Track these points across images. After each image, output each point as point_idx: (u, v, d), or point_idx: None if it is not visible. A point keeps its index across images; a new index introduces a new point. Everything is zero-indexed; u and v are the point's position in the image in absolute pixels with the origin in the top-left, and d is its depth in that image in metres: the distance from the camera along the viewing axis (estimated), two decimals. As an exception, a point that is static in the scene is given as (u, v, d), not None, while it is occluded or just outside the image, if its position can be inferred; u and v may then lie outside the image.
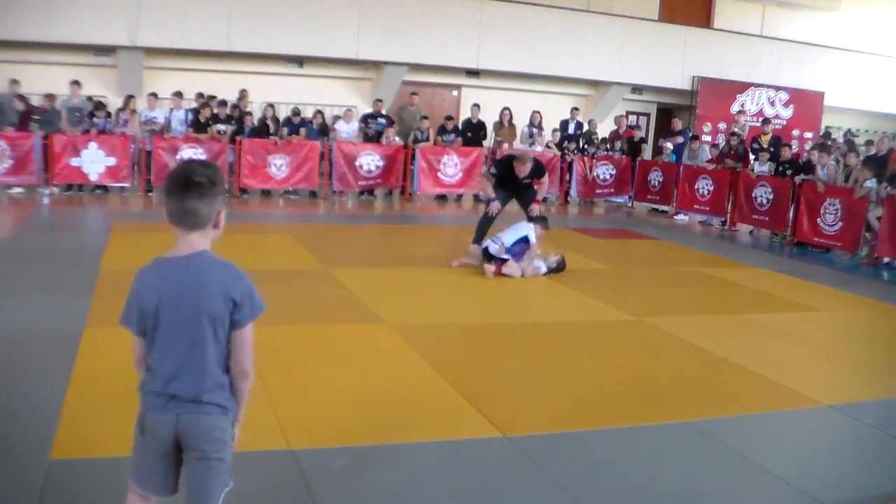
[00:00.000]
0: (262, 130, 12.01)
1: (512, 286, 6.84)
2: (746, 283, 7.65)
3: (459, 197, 13.37)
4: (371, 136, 12.81)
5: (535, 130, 13.52)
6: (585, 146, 13.93)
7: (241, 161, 11.63)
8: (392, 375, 4.33)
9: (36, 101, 11.53)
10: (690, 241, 10.63)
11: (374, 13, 14.54)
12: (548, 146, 13.46)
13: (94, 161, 11.16)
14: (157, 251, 2.08)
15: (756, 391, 4.45)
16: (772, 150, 11.78)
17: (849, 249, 9.84)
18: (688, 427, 3.81)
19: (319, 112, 12.92)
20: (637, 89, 17.41)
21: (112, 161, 11.28)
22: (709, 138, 16.66)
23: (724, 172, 12.04)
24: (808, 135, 18.03)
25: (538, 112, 13.73)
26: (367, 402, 3.90)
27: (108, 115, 11.76)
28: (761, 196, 11.17)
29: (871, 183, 9.68)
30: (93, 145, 11.15)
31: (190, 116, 11.97)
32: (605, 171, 13.66)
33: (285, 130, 12.16)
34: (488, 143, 13.61)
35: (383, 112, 13.34)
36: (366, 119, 13.14)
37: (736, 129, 13.50)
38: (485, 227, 7.76)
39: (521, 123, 13.72)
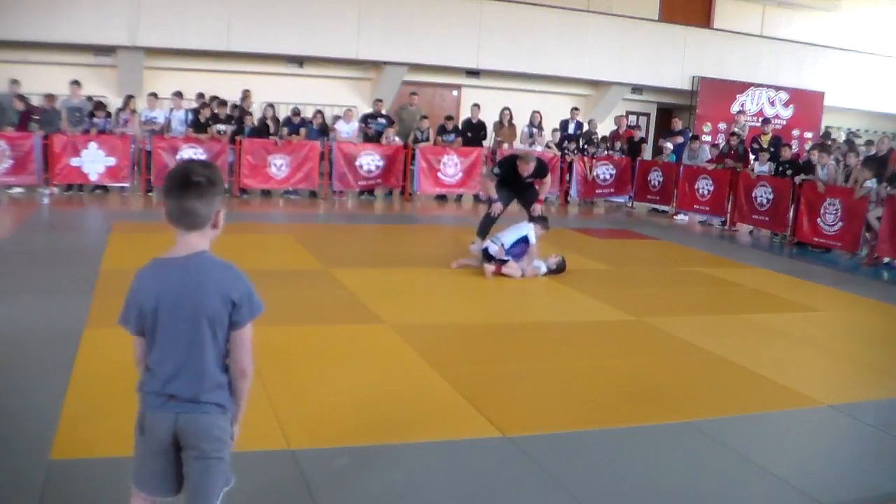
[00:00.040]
0: (262, 130, 12.01)
1: (512, 286, 6.84)
2: (746, 283, 7.65)
3: (459, 197, 13.37)
4: (371, 136, 12.81)
5: (535, 130, 13.52)
6: (585, 146, 13.93)
7: (241, 161, 11.63)
8: (392, 375, 4.33)
9: (36, 101, 11.53)
10: (690, 241, 10.63)
11: (374, 13, 14.54)
12: (548, 146, 13.46)
13: (94, 161, 11.17)
14: (157, 251, 2.08)
15: (756, 391, 4.45)
16: (772, 150, 11.79)
17: (849, 249, 9.84)
18: (688, 427, 3.81)
19: (319, 112, 12.93)
20: (637, 89, 17.41)
21: (112, 161, 11.29)
22: (709, 138, 16.66)
23: (724, 172, 12.04)
24: (808, 135, 18.04)
25: (538, 112, 13.73)
26: (367, 402, 3.90)
27: (108, 115, 11.77)
28: (761, 196, 11.17)
29: (871, 183, 9.68)
30: (93, 145, 11.15)
31: (190, 116, 11.97)
32: (605, 171, 13.66)
33: (285, 130, 12.16)
34: (488, 143, 13.61)
35: (383, 112, 13.34)
36: (366, 119, 13.14)
37: (736, 129, 13.50)
38: (486, 227, 7.77)
39: (521, 123, 13.72)
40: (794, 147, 13.34)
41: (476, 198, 13.25)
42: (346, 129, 12.75)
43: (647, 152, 15.23)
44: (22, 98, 11.21)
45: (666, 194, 13.16)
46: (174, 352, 2.00)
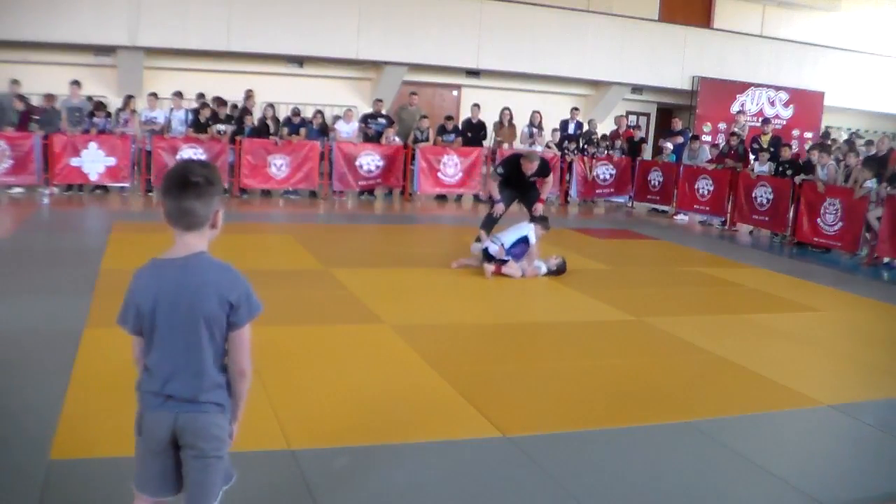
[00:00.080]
0: (262, 130, 12.01)
1: (512, 286, 6.84)
2: (746, 283, 7.65)
3: (459, 197, 13.37)
4: (371, 136, 12.81)
5: (535, 130, 13.52)
6: (585, 146, 13.93)
7: (241, 161, 11.63)
8: (392, 375, 4.33)
9: (36, 101, 11.53)
10: (690, 241, 10.64)
11: (374, 13, 14.54)
12: (548, 146, 13.45)
13: (94, 161, 11.17)
14: (157, 251, 2.08)
15: (756, 391, 4.45)
16: (772, 150, 11.79)
17: (849, 249, 9.85)
18: (688, 427, 3.81)
19: (319, 112, 12.92)
20: (637, 89, 17.42)
21: (112, 161, 11.28)
22: (709, 138, 16.67)
23: (724, 172, 12.04)
24: (808, 135, 18.04)
25: (538, 112, 13.73)
26: (367, 402, 3.90)
27: (108, 115, 11.77)
28: (761, 196, 11.17)
29: (871, 183, 9.68)
30: (93, 145, 11.15)
31: (190, 116, 11.97)
32: (605, 171, 13.66)
33: (285, 130, 12.16)
34: (488, 143, 13.61)
35: (383, 112, 13.34)
36: (366, 119, 13.14)
37: (736, 129, 13.50)
38: (488, 227, 7.76)
39: (521, 123, 13.72)
40: (794, 147, 13.33)
41: (476, 198, 13.25)
42: (346, 129, 12.75)
43: (647, 152, 15.23)
44: (22, 98, 11.21)
45: (666, 194, 13.16)
46: (172, 352, 2.00)
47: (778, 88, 18.16)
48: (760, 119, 15.73)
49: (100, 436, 3.22)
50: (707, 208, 12.28)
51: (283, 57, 14.43)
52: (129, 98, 12.11)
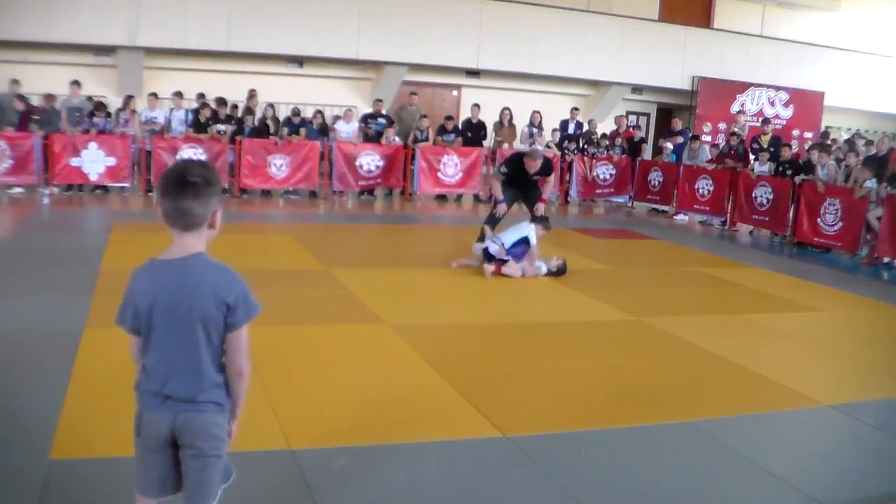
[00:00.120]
0: (262, 130, 12.01)
1: (512, 286, 6.84)
2: (746, 283, 7.65)
3: (459, 197, 13.37)
4: (371, 136, 12.81)
5: (535, 130, 13.52)
6: (585, 146, 13.93)
7: (241, 161, 11.63)
8: (392, 375, 4.33)
9: (36, 101, 11.53)
10: (690, 241, 10.64)
11: (374, 13, 14.54)
12: (548, 146, 13.45)
13: (94, 161, 11.16)
14: (157, 251, 2.08)
15: (756, 391, 4.45)
16: (772, 150, 11.78)
17: (849, 249, 9.85)
18: (688, 427, 3.81)
19: (319, 112, 12.92)
20: (637, 89, 17.42)
21: (112, 161, 11.28)
22: (709, 138, 16.67)
23: (724, 172, 12.04)
24: (808, 135, 18.04)
25: (538, 112, 13.73)
26: (367, 402, 3.90)
27: (108, 115, 11.77)
28: (761, 196, 11.17)
29: (871, 183, 9.68)
30: (93, 145, 11.15)
31: (190, 116, 11.97)
32: (605, 171, 13.66)
33: (285, 130, 12.16)
34: (488, 143, 13.61)
35: (383, 112, 13.35)
36: (366, 119, 13.14)
37: (736, 129, 13.50)
38: (491, 227, 7.77)
39: (521, 123, 13.72)
40: (794, 147, 13.34)
41: (476, 198, 13.25)
42: (346, 129, 12.75)
43: (647, 152, 15.23)
44: (22, 98, 11.20)
45: (666, 194, 13.16)
46: (170, 353, 2.00)
47: (778, 88, 18.16)
48: (760, 119, 15.73)
49: (100, 436, 3.22)
50: (707, 208, 12.28)
51: (283, 57, 14.43)
52: (129, 98, 12.11)
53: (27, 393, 3.72)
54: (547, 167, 7.79)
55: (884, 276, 8.91)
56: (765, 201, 11.11)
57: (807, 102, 18.38)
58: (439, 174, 12.73)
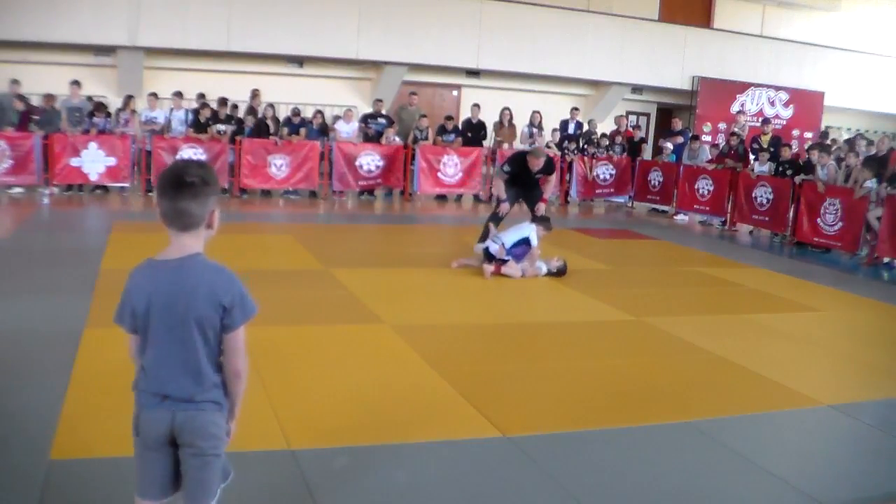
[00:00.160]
0: (262, 130, 12.01)
1: (512, 286, 6.84)
2: (746, 283, 7.65)
3: (459, 197, 13.38)
4: (371, 136, 12.82)
5: (535, 130, 13.52)
6: (585, 146, 13.93)
7: (241, 161, 11.63)
8: (392, 375, 4.33)
9: (36, 101, 11.53)
10: (690, 241, 10.64)
11: (374, 13, 14.54)
12: (548, 146, 13.44)
13: (94, 161, 11.17)
14: (157, 251, 2.08)
15: (756, 391, 4.45)
16: (772, 150, 11.79)
17: (849, 249, 9.85)
18: (688, 427, 3.81)
19: (319, 112, 12.93)
20: (637, 89, 17.42)
21: (112, 161, 11.29)
22: (709, 138, 16.67)
23: (724, 172, 12.04)
24: (808, 135, 18.04)
25: (538, 112, 13.74)
26: (367, 401, 3.90)
27: (108, 115, 11.76)
28: (761, 196, 11.17)
29: (871, 183, 9.68)
30: (93, 145, 11.15)
31: (190, 116, 11.97)
32: (605, 171, 13.66)
33: (285, 130, 12.17)
34: (488, 143, 13.61)
35: (383, 112, 13.35)
36: (366, 119, 13.14)
37: (736, 129, 13.50)
38: (494, 221, 7.80)
39: (521, 123, 13.72)
40: (794, 147, 13.34)
41: (476, 198, 13.26)
42: (346, 129, 12.75)
43: (647, 152, 15.23)
44: (22, 98, 11.21)
45: (666, 194, 13.16)
46: (167, 353, 2.00)
47: (778, 88, 18.16)
48: (760, 119, 15.72)
49: (100, 436, 3.22)
50: (707, 208, 12.28)
51: (283, 57, 14.43)
52: (129, 98, 12.12)
53: (27, 393, 3.72)
54: (549, 166, 7.82)
55: (884, 276, 8.91)
56: (765, 201, 11.11)
57: (807, 102, 18.38)
58: (439, 174, 12.73)
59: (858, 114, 19.39)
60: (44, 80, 12.07)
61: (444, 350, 4.80)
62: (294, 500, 2.87)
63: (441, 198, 13.06)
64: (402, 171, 12.60)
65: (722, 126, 17.35)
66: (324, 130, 12.84)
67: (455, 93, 16.64)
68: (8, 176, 10.75)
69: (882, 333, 6.20)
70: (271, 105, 12.56)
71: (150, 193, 11.40)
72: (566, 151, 13.58)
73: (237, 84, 13.50)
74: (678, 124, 14.71)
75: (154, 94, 12.15)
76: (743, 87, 17.81)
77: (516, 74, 15.94)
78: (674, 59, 17.06)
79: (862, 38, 19.04)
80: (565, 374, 4.54)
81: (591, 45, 16.21)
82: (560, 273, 7.23)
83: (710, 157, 12.78)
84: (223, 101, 12.18)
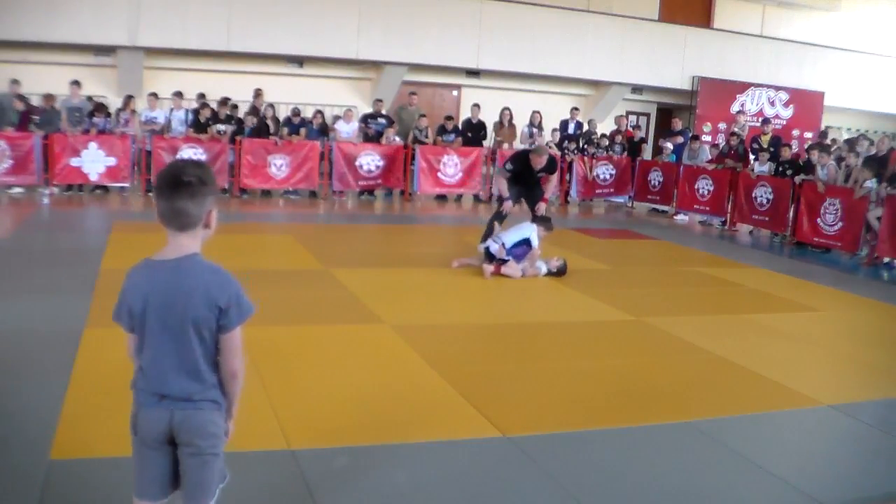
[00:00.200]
0: (262, 130, 12.01)
1: (512, 286, 6.84)
2: (746, 283, 7.65)
3: (459, 197, 13.38)
4: (371, 136, 12.82)
5: (535, 130, 13.52)
6: (585, 146, 13.93)
7: (241, 161, 11.63)
8: (392, 375, 4.33)
9: (36, 101, 11.53)
10: (690, 241, 10.64)
11: (374, 13, 14.54)
12: (548, 146, 13.44)
13: (94, 161, 11.17)
14: (157, 251, 2.08)
15: (756, 391, 4.45)
16: (772, 150, 11.79)
17: (849, 249, 9.85)
18: (688, 427, 3.81)
19: (319, 112, 12.93)
20: (637, 89, 17.41)
21: (112, 161, 11.29)
22: (709, 138, 16.66)
23: (724, 172, 12.04)
24: (808, 135, 18.03)
25: (538, 112, 13.74)
26: (367, 401, 3.90)
27: (108, 115, 11.76)
28: (761, 196, 11.17)
29: (871, 183, 9.68)
30: (93, 145, 11.15)
31: (190, 116, 11.98)
32: (605, 171, 13.66)
33: (285, 130, 12.17)
34: (488, 143, 13.61)
35: (383, 112, 13.35)
36: (366, 119, 13.14)
37: (736, 129, 13.50)
38: (498, 220, 7.80)
39: (521, 123, 13.73)
40: (794, 147, 13.34)
41: (476, 198, 13.26)
42: (346, 129, 12.75)
43: (647, 152, 15.23)
44: (22, 98, 11.21)
45: (666, 194, 13.16)
46: (164, 353, 2.00)
47: (778, 88, 18.15)
48: (760, 119, 15.72)
49: (100, 436, 3.21)
50: (707, 208, 12.28)
51: (283, 57, 14.42)
52: (129, 98, 12.11)
53: (27, 393, 3.73)
54: (552, 164, 7.84)
55: (884, 276, 8.91)
56: (765, 201, 11.11)
57: (807, 102, 18.37)
58: (439, 174, 12.73)
59: (858, 114, 19.38)
60: (44, 80, 12.07)
61: (444, 350, 4.80)
62: (294, 500, 2.87)
63: (441, 198, 13.06)
64: (402, 171, 12.60)
65: (722, 126, 17.35)
66: (324, 130, 12.84)
67: (455, 93, 16.64)
68: (8, 176, 10.75)
69: (882, 333, 6.21)
70: (271, 105, 12.57)
71: (149, 193, 11.39)
72: (566, 151, 13.58)
73: (237, 84, 13.50)
74: (678, 124, 14.71)
75: (154, 94, 12.16)
76: (743, 87, 17.81)
77: (516, 74, 15.94)
78: (674, 59, 17.06)
79: (862, 38, 19.03)
80: (565, 374, 4.54)
81: (591, 45, 16.20)
82: (560, 273, 7.23)
83: (710, 157, 12.79)
84: (223, 101, 12.19)
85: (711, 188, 12.15)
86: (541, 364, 4.72)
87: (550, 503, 3.00)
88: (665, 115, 17.69)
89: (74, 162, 11.05)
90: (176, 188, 1.96)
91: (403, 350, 4.75)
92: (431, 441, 3.47)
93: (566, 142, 13.81)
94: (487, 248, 7.13)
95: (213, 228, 2.06)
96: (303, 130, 12.29)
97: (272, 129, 12.12)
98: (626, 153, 13.83)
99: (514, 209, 7.92)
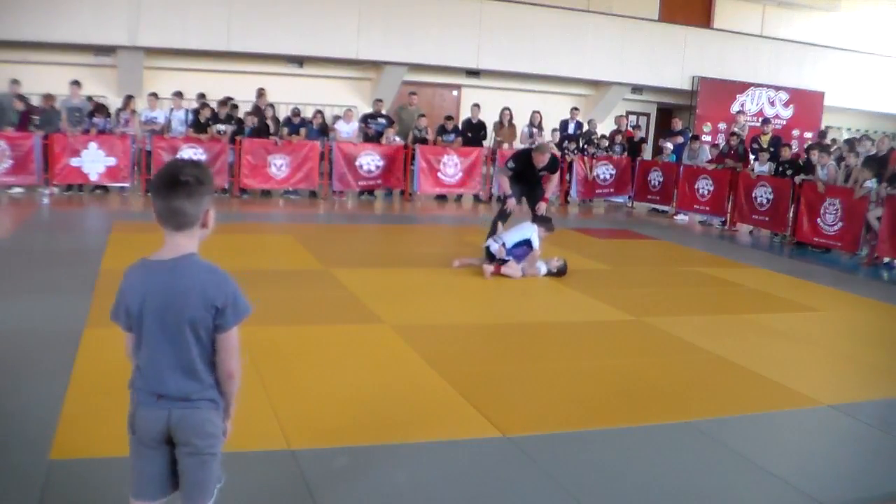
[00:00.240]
0: (261, 130, 12.01)
1: (512, 286, 6.84)
2: (746, 283, 7.65)
3: (459, 197, 13.38)
4: (371, 136, 12.82)
5: (535, 130, 13.52)
6: (585, 146, 13.93)
7: (241, 161, 11.63)
8: (392, 375, 4.33)
9: (36, 101, 11.53)
10: (690, 241, 10.64)
11: (374, 13, 14.54)
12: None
13: (94, 161, 11.17)
14: (154, 251, 2.08)
15: (756, 391, 4.45)
16: (772, 150, 11.79)
17: (849, 249, 9.85)
18: (688, 427, 3.81)
19: (319, 112, 12.93)
20: (637, 89, 17.41)
21: (112, 161, 11.29)
22: (709, 138, 16.66)
23: (724, 172, 12.04)
24: (808, 135, 18.03)
25: (538, 112, 13.74)
26: (367, 401, 3.90)
27: (108, 115, 11.76)
28: (761, 196, 11.17)
29: (871, 183, 9.68)
30: (93, 145, 11.15)
31: (190, 116, 11.98)
32: (605, 171, 13.66)
33: (285, 130, 12.17)
34: (488, 143, 13.61)
35: (383, 112, 13.35)
36: (366, 119, 13.14)
37: (736, 129, 13.50)
38: (501, 220, 7.81)
39: (521, 123, 13.72)
40: (794, 147, 13.33)
41: (476, 198, 13.26)
42: (346, 129, 12.75)
43: (647, 152, 15.23)
44: (22, 98, 11.21)
45: (666, 194, 13.16)
46: (161, 352, 2.00)
47: (778, 88, 18.15)
48: (760, 119, 15.71)
49: (100, 436, 3.21)
50: (707, 208, 12.28)
51: (283, 57, 14.42)
52: (129, 98, 12.11)
53: (27, 393, 3.72)
54: (554, 163, 7.88)
55: (884, 276, 8.91)
56: (765, 201, 11.11)
57: (807, 102, 18.37)
58: (439, 174, 12.73)
59: (858, 114, 19.38)
60: (44, 80, 12.07)
61: (444, 350, 4.80)
62: (294, 500, 2.87)
63: (441, 198, 13.06)
64: (402, 171, 12.60)
65: (722, 126, 17.35)
66: (324, 130, 12.84)
67: (455, 93, 16.64)
68: (8, 176, 10.75)
69: (882, 333, 6.21)
70: (271, 105, 12.58)
71: (150, 193, 11.36)
72: (566, 151, 13.58)
73: (237, 84, 13.50)
74: (678, 124, 14.71)
75: (154, 94, 12.16)
76: (743, 87, 17.81)
77: (516, 74, 15.94)
78: (674, 59, 17.06)
79: (862, 38, 19.03)
80: (565, 374, 4.54)
81: (591, 45, 16.20)
82: (560, 273, 7.22)
83: (710, 157, 12.79)
84: (223, 102, 12.19)
85: (711, 188, 12.15)
86: (541, 364, 4.72)
87: (550, 503, 3.00)
88: (665, 115, 17.69)
89: (74, 162, 11.05)
90: (173, 188, 1.96)
91: (403, 350, 4.75)
92: (431, 441, 3.47)
93: (566, 142, 13.81)
94: (488, 248, 7.12)
95: (210, 228, 2.06)
96: (303, 130, 12.29)
97: (272, 129, 12.12)
98: (626, 153, 13.84)
99: (516, 207, 7.93)
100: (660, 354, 5.10)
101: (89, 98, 12.07)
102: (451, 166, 12.77)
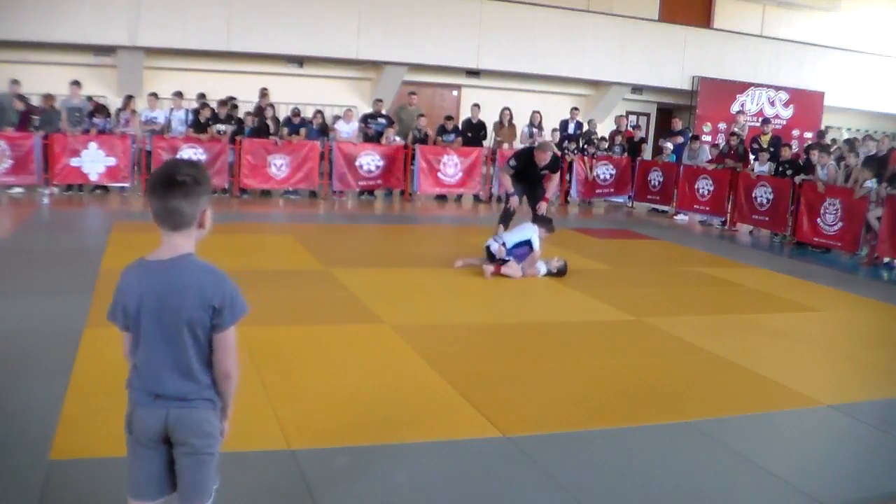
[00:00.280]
0: (261, 130, 12.01)
1: (512, 286, 6.84)
2: (746, 283, 7.65)
3: (459, 197, 13.38)
4: (371, 136, 12.82)
5: (535, 130, 13.52)
6: (585, 146, 13.93)
7: (241, 161, 11.63)
8: (392, 375, 4.33)
9: (36, 101, 11.53)
10: (690, 241, 10.63)
11: (374, 13, 14.54)
12: (548, 145, 13.44)
13: (94, 161, 11.17)
14: (151, 251, 2.08)
15: (756, 391, 4.45)
16: (772, 150, 11.79)
17: (849, 249, 9.85)
18: (688, 427, 3.81)
19: (319, 112, 12.93)
20: (637, 89, 17.41)
21: (112, 161, 11.29)
22: (709, 138, 16.66)
23: (724, 172, 12.04)
24: (808, 135, 18.02)
25: (538, 112, 13.74)
26: (367, 401, 3.90)
27: (108, 115, 11.76)
28: (761, 196, 11.17)
29: (871, 183, 9.68)
30: (93, 145, 11.15)
31: (190, 116, 11.98)
32: (605, 171, 13.66)
33: (285, 130, 12.17)
34: (488, 143, 13.61)
35: (383, 112, 13.35)
36: (366, 119, 13.14)
37: (736, 129, 13.50)
38: (505, 222, 7.84)
39: (521, 123, 13.73)
40: (794, 147, 13.33)
41: (476, 198, 13.26)
42: (346, 129, 12.75)
43: (647, 152, 15.23)
44: (22, 98, 11.21)
45: (666, 194, 13.16)
46: (159, 352, 2.00)
47: (778, 88, 18.15)
48: (760, 119, 15.71)
49: (100, 436, 3.21)
50: (707, 208, 12.28)
51: (283, 57, 14.42)
52: (129, 98, 12.11)
53: (27, 393, 3.73)
54: (556, 162, 7.90)
55: (884, 276, 8.91)
56: (765, 201, 11.11)
57: (807, 102, 18.37)
58: (439, 174, 12.73)
59: (858, 114, 19.38)
60: (44, 80, 12.07)
61: (444, 350, 4.80)
62: (294, 500, 2.87)
63: (441, 198, 13.06)
64: (402, 171, 12.60)
65: (722, 126, 17.35)
66: (324, 130, 12.84)
67: (455, 93, 16.64)
68: (8, 176, 10.75)
69: (882, 333, 6.21)
70: (271, 105, 12.57)
71: (146, 193, 11.37)
72: (566, 151, 13.57)
73: (237, 84, 13.50)
74: (678, 124, 14.71)
75: (154, 94, 12.16)
76: (743, 87, 17.81)
77: (516, 74, 15.94)
78: (674, 59, 17.06)
79: (862, 38, 19.03)
80: (565, 374, 4.54)
81: (591, 45, 16.20)
82: (560, 273, 7.22)
83: (710, 157, 12.79)
84: (223, 101, 12.18)
85: (711, 188, 12.15)
86: (541, 364, 4.72)
87: (550, 503, 3.00)
88: (665, 115, 17.69)
89: (74, 162, 11.05)
90: (170, 187, 1.96)
91: (404, 350, 4.75)
92: (431, 441, 3.47)
93: (566, 142, 13.81)
94: (488, 248, 7.12)
95: (207, 228, 2.06)
96: (303, 130, 12.29)
97: (272, 129, 12.12)
98: (626, 153, 13.83)
99: (519, 206, 7.94)
100: (660, 354, 5.10)
101: (89, 98, 12.07)
102: (451, 166, 12.77)
